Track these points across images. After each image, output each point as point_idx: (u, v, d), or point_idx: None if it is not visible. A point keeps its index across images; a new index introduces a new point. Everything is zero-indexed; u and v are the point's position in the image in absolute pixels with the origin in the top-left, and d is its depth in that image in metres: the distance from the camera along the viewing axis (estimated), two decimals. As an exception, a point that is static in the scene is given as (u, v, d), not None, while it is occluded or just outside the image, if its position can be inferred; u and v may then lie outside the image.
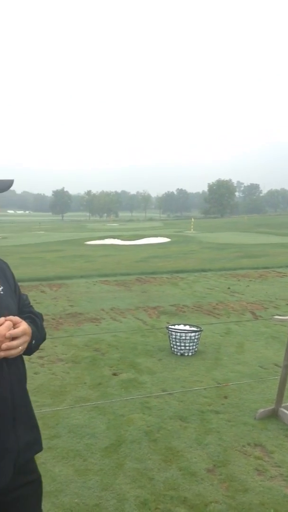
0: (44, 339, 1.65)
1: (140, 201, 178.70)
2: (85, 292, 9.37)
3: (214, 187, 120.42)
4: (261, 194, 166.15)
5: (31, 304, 1.73)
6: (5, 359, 1.38)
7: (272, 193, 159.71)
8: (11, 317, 1.39)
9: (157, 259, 16.72)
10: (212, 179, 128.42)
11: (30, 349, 1.49)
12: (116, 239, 31.57)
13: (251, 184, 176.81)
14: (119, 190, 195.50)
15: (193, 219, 53.51)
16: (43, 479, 1.69)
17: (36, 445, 1.57)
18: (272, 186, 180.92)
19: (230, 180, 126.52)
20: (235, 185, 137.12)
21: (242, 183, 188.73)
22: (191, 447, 3.25)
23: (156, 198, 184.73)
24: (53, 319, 7.08)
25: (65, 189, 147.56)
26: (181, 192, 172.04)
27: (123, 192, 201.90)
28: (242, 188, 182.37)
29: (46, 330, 1.65)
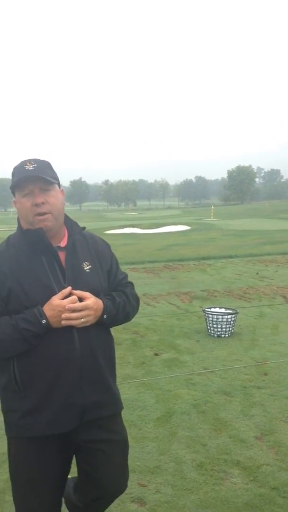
0: (125, 317, 1.86)
1: (158, 190, 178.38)
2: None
3: (234, 174, 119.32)
4: (282, 180, 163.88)
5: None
6: (75, 328, 1.63)
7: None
8: (79, 291, 1.64)
9: (178, 247, 16.88)
10: (232, 166, 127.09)
11: (103, 323, 1.72)
12: (135, 228, 31.77)
13: (271, 169, 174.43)
14: (136, 179, 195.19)
15: (212, 206, 53.31)
16: None
17: (109, 406, 1.78)
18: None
19: (250, 166, 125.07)
20: (255, 171, 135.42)
21: (263, 169, 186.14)
22: (238, 418, 3.48)
23: (174, 186, 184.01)
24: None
25: (82, 179, 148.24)
26: (200, 179, 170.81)
27: (141, 181, 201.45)
28: (262, 174, 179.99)
29: None
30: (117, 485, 1.88)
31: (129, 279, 2.00)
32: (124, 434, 1.90)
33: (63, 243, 1.76)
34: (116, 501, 2.53)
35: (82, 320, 1.62)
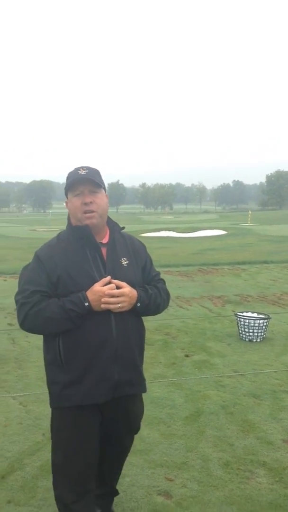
0: (156, 308, 2.09)
1: (195, 193, 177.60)
2: (150, 281, 9.76)
3: (273, 179, 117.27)
4: None
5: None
6: (112, 312, 1.90)
7: None
8: (116, 281, 1.91)
9: (214, 252, 16.80)
10: (271, 171, 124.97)
11: (136, 310, 1.98)
12: (171, 231, 31.80)
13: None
14: (174, 183, 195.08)
15: (250, 211, 52.57)
16: (134, 442, 2.42)
17: (137, 386, 2.07)
18: None
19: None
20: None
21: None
22: (266, 420, 3.51)
23: (211, 190, 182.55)
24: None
25: (120, 182, 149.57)
26: (238, 184, 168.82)
27: (178, 185, 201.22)
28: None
29: None
30: (131, 442, 2.32)
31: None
32: (142, 411, 2.26)
33: (104, 240, 2.03)
34: (143, 493, 2.65)
35: (118, 305, 1.88)
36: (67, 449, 1.99)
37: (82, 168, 1.95)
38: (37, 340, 5.64)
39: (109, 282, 1.90)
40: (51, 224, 38.92)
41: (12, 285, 9.62)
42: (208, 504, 2.56)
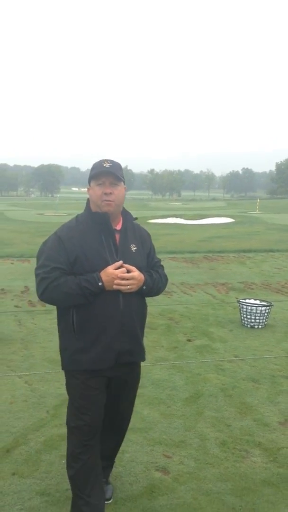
0: (157, 291, 2.36)
1: (203, 181, 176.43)
2: (155, 267, 9.84)
3: (283, 167, 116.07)
4: None
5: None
6: (121, 292, 2.14)
7: None
8: (127, 265, 2.16)
9: (221, 239, 16.80)
10: (281, 158, 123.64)
11: (141, 292, 2.23)
12: (179, 218, 31.74)
13: None
14: (182, 169, 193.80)
15: (258, 200, 52.21)
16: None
17: (137, 355, 2.34)
18: None
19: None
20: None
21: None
22: (264, 403, 3.60)
23: (220, 178, 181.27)
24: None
25: (128, 168, 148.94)
26: (247, 171, 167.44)
27: (187, 171, 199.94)
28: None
29: None
30: (128, 411, 2.52)
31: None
32: (139, 379, 2.50)
33: (118, 227, 2.27)
34: (142, 469, 2.77)
35: (128, 287, 2.14)
36: (78, 404, 2.24)
37: (107, 161, 2.19)
38: (43, 322, 5.78)
39: (121, 266, 2.14)
40: (58, 209, 38.97)
41: (19, 268, 9.77)
42: (204, 480, 2.67)
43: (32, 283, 8.03)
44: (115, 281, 2.10)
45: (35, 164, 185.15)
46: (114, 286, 2.10)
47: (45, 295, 2.15)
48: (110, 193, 2.17)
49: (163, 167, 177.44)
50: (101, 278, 2.08)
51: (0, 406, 3.53)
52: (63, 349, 2.27)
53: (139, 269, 2.20)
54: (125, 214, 2.32)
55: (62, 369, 2.32)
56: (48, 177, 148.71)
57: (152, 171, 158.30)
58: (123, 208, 2.32)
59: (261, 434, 3.16)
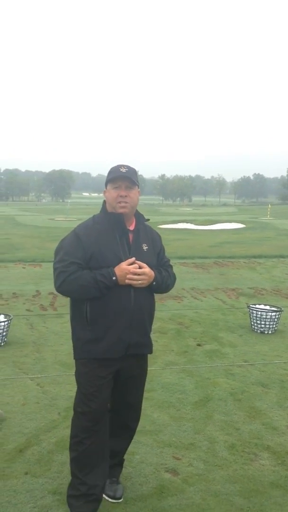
0: (166, 288, 2.54)
1: (214, 186, 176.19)
2: (165, 272, 9.89)
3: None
4: None
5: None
6: (132, 287, 2.29)
7: None
8: (139, 262, 2.32)
9: (231, 245, 16.79)
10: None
11: (151, 287, 2.37)
12: (189, 224, 31.74)
13: None
14: (193, 174, 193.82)
15: (270, 205, 52.00)
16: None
17: (145, 347, 2.47)
18: None
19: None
20: None
21: None
22: (273, 408, 3.63)
23: (231, 183, 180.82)
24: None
25: (139, 173, 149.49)
26: (258, 177, 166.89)
27: (197, 177, 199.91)
28: None
29: None
30: (137, 407, 2.61)
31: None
32: (146, 371, 2.61)
33: (131, 227, 2.45)
34: (152, 470, 2.82)
35: (139, 282, 2.29)
36: (86, 391, 2.37)
37: (123, 166, 2.38)
38: (54, 325, 5.86)
39: (134, 263, 2.30)
40: (69, 214, 39.23)
41: (30, 272, 9.89)
42: (213, 482, 2.71)
43: (43, 288, 8.15)
44: (128, 276, 2.25)
45: (47, 169, 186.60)
46: (127, 281, 2.26)
47: (62, 288, 2.31)
48: (126, 196, 2.35)
49: (173, 171, 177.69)
50: (115, 273, 2.24)
51: (12, 407, 3.61)
52: (76, 339, 2.42)
53: (150, 266, 2.35)
54: (138, 216, 2.50)
55: (74, 358, 2.46)
56: (59, 183, 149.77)
57: (162, 176, 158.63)
58: (136, 210, 2.48)
59: (270, 438, 3.19)
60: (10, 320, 5.16)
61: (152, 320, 2.53)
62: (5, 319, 5.07)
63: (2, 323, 4.96)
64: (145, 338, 2.43)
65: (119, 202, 2.35)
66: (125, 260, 2.29)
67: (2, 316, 5.17)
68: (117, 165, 2.40)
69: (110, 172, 2.40)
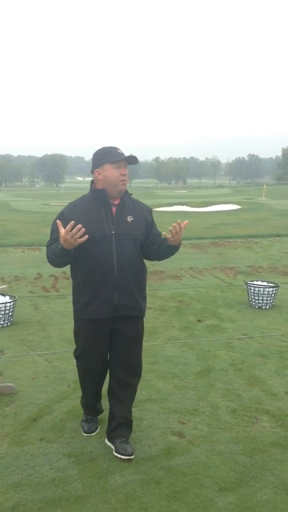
0: (171, 255, 2.82)
1: (209, 168, 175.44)
2: (164, 253, 10.03)
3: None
4: None
5: None
6: (115, 255, 2.58)
7: None
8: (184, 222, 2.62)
9: (227, 226, 16.91)
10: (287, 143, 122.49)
11: (175, 247, 2.70)
12: (185, 206, 31.77)
13: None
14: (187, 156, 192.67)
15: (265, 186, 52.04)
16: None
17: (133, 309, 2.70)
18: None
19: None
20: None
21: None
22: (272, 376, 3.82)
23: (226, 165, 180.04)
24: (138, 275, 7.83)
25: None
26: (253, 157, 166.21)
27: (192, 159, 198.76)
28: None
29: None
30: (135, 365, 2.84)
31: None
32: (141, 333, 2.83)
33: (116, 202, 2.69)
34: (159, 433, 3.00)
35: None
36: (84, 347, 2.77)
37: (118, 149, 2.64)
38: (58, 306, 6.02)
39: (160, 235, 2.80)
40: (63, 198, 39.09)
41: (30, 256, 10.01)
42: (217, 443, 2.89)
43: (44, 271, 8.28)
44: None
45: (39, 154, 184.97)
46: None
47: (48, 259, 2.67)
48: (125, 174, 2.64)
49: (168, 155, 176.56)
50: (59, 242, 2.47)
51: (23, 381, 3.77)
52: (75, 303, 2.76)
53: (134, 236, 2.64)
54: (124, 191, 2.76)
55: (73, 318, 2.81)
56: (53, 167, 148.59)
57: (157, 159, 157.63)
58: None
59: (269, 403, 3.38)
60: (15, 301, 5.30)
61: (141, 284, 2.75)
62: (11, 300, 5.22)
63: (8, 304, 5.10)
64: (133, 300, 2.68)
65: (121, 180, 2.61)
66: (108, 231, 2.58)
67: (8, 297, 5.31)
68: (112, 147, 2.65)
69: (108, 153, 2.61)
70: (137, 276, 2.70)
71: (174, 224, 2.57)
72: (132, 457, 2.70)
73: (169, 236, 2.61)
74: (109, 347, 2.79)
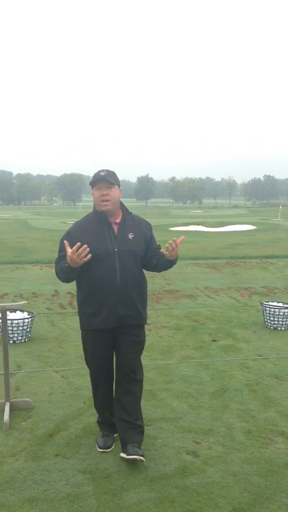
0: (169, 268, 3.03)
1: (225, 188, 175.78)
2: (179, 273, 10.06)
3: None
4: None
5: None
6: (119, 269, 2.78)
7: None
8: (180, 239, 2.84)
9: (243, 246, 16.89)
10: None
11: (172, 261, 2.90)
12: (200, 226, 31.84)
13: None
14: (203, 177, 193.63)
15: (280, 207, 51.92)
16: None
17: (137, 319, 2.91)
18: None
19: None
20: None
21: None
22: (287, 398, 3.81)
23: (241, 185, 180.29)
24: (153, 294, 7.86)
25: (150, 176, 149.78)
26: (269, 178, 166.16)
27: (208, 179, 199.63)
28: None
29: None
30: (135, 369, 2.97)
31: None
32: (142, 339, 3.02)
33: (118, 220, 2.90)
34: (173, 452, 3.02)
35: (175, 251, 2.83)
36: (91, 352, 2.99)
37: (102, 170, 2.84)
38: (74, 323, 6.09)
39: (159, 247, 2.98)
40: (80, 217, 39.45)
41: (47, 273, 10.16)
42: (231, 463, 2.89)
43: (61, 288, 8.40)
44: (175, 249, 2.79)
45: (58, 173, 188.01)
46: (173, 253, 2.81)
47: (57, 276, 2.89)
48: (107, 194, 2.79)
49: (183, 174, 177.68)
50: (67, 260, 2.67)
51: (40, 397, 3.83)
52: (81, 314, 2.96)
53: (135, 252, 2.83)
54: (124, 209, 2.95)
55: (80, 329, 3.03)
56: (70, 186, 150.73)
57: (173, 179, 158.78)
58: (122, 204, 2.94)
59: (284, 425, 3.37)
60: (33, 317, 5.40)
61: (143, 295, 2.96)
62: (29, 316, 5.32)
63: (26, 320, 5.20)
64: (135, 311, 2.88)
65: (102, 201, 2.80)
66: (111, 248, 2.78)
67: (26, 313, 5.41)
68: (98, 170, 2.86)
69: (93, 176, 2.85)
70: (138, 289, 2.90)
71: (170, 241, 2.76)
72: (142, 457, 2.78)
73: (166, 252, 2.80)
74: (113, 351, 3.00)
